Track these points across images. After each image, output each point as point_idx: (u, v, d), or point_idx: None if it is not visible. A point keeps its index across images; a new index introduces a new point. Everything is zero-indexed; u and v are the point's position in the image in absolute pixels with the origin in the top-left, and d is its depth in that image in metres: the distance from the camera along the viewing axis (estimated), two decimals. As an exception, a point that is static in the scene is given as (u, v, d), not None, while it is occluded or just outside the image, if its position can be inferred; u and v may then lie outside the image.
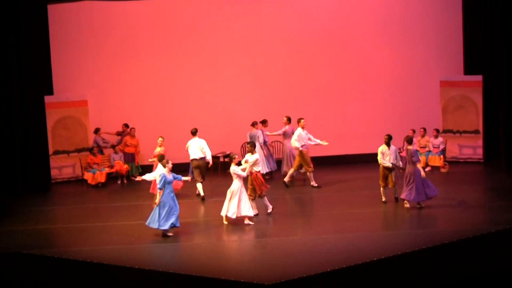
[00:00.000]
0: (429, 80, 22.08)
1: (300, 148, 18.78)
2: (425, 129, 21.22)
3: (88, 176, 20.62)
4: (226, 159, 21.46)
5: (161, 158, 16.18)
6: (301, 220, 15.95)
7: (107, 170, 20.77)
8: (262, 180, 16.23)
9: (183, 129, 20.16)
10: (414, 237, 14.45)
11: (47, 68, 21.07)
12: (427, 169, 20.75)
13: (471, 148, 21.60)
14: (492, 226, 14.64)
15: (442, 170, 20.67)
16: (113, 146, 21.21)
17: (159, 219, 14.95)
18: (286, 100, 22.08)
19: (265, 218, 16.21)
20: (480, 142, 21.50)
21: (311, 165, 18.95)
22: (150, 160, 18.61)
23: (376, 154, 17.05)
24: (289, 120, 19.92)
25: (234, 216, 15.68)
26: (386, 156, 16.75)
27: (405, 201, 16.51)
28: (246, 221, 15.76)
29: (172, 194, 15.11)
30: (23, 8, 19.55)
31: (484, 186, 19.16)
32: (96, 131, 21.37)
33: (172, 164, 15.43)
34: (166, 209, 14.97)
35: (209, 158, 18.42)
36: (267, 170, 20.21)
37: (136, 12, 21.94)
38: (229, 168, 16.05)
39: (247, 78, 22.17)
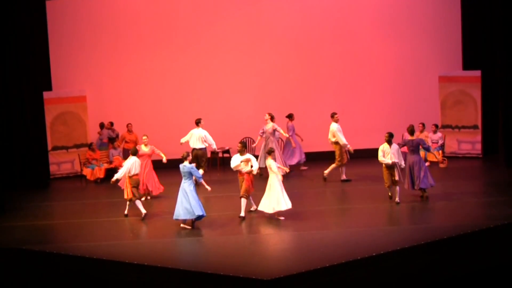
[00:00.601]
0: (428, 76, 22.08)
1: (348, 144, 18.68)
2: (423, 125, 21.21)
3: (87, 171, 20.63)
4: (226, 155, 21.50)
5: (134, 152, 16.58)
6: (301, 215, 15.93)
7: (106, 165, 20.77)
8: (252, 181, 15.93)
9: (183, 124, 20.20)
10: (413, 232, 14.44)
11: (46, 64, 21.08)
12: (426, 164, 20.75)
13: (470, 143, 21.61)
14: (491, 221, 14.64)
15: (441, 165, 20.67)
16: (111, 141, 21.23)
17: (200, 206, 15.20)
18: (285, 95, 22.08)
19: (263, 213, 16.20)
20: (478, 137, 21.50)
21: (344, 159, 18.85)
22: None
23: (375, 150, 17.04)
24: (272, 117, 19.72)
25: (271, 211, 15.70)
26: (387, 155, 16.58)
27: (424, 191, 16.74)
28: (277, 216, 15.81)
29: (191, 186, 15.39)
30: (21, 4, 19.52)
31: (482, 181, 19.17)
32: (102, 126, 21.39)
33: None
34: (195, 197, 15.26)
35: (214, 147, 19.11)
36: (296, 161, 20.43)
37: (135, 7, 21.93)
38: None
39: (247, 73, 22.15)
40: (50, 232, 15.88)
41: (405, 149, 17.31)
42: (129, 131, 21.06)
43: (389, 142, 16.60)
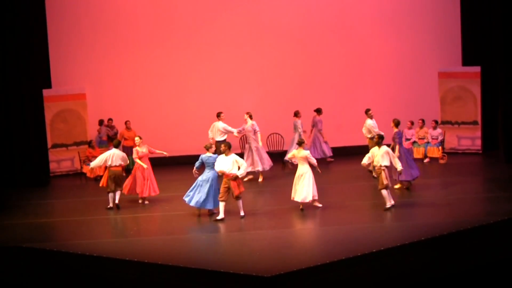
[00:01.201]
0: (428, 72, 22.07)
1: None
2: (423, 121, 21.24)
3: (86, 169, 20.63)
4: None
5: (116, 144, 17.11)
6: (301, 212, 15.94)
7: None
8: (240, 182, 15.83)
9: (182, 121, 20.20)
10: (413, 228, 14.45)
11: (45, 61, 21.05)
12: (426, 160, 20.79)
13: (470, 139, 21.61)
14: (491, 217, 14.66)
15: (441, 161, 20.68)
16: (110, 139, 21.22)
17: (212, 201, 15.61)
18: (285, 92, 22.07)
19: (264, 210, 16.21)
20: (478, 133, 21.51)
21: None
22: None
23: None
24: (250, 116, 19.45)
25: (306, 200, 15.88)
26: (374, 157, 15.84)
27: (400, 182, 17.04)
28: (316, 203, 15.97)
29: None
30: (20, 2, 19.49)
31: (482, 177, 19.19)
32: (101, 123, 21.38)
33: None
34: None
35: (235, 134, 19.41)
36: (322, 156, 20.60)
37: (134, 4, 21.90)
38: None
39: (247, 69, 22.13)
40: (50, 230, 15.88)
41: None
42: (128, 128, 21.04)
43: (379, 144, 15.97)
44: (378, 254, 12.94)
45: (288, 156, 17.22)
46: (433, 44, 22.11)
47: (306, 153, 16.09)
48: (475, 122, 21.52)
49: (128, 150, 20.83)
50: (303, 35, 22.17)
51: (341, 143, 22.02)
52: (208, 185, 15.74)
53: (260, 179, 19.28)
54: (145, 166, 16.77)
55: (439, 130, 21.32)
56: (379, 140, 15.93)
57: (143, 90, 22.02)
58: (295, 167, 16.66)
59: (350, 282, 12.65)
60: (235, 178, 15.52)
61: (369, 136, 18.96)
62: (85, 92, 21.47)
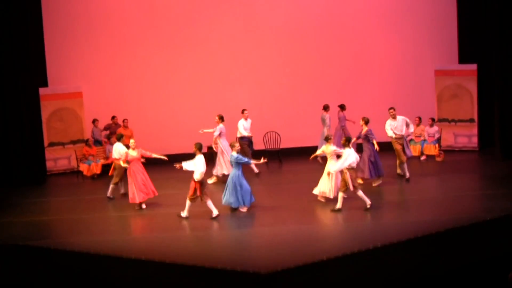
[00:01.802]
0: (424, 69, 22.11)
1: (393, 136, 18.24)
2: (420, 118, 21.26)
3: (83, 167, 20.61)
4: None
5: (119, 137, 17.47)
6: (296, 209, 15.94)
7: (102, 161, 20.76)
8: (197, 185, 15.60)
9: (179, 119, 20.17)
10: (409, 225, 14.45)
11: (42, 60, 21.01)
12: (423, 158, 20.81)
13: (466, 137, 21.63)
14: (488, 214, 14.69)
15: (437, 158, 20.70)
16: (107, 137, 21.22)
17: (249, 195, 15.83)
18: (281, 89, 22.08)
19: (260, 208, 16.20)
20: (475, 131, 21.53)
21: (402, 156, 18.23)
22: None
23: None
24: (221, 118, 19.08)
25: (331, 195, 16.07)
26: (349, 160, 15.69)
27: (361, 178, 17.30)
28: (345, 195, 15.98)
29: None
30: (16, 0, 19.44)
31: (479, 174, 19.21)
32: (94, 121, 21.36)
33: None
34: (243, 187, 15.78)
35: (238, 135, 19.58)
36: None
37: (131, 3, 21.88)
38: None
39: (242, 67, 22.14)
40: (47, 228, 15.86)
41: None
42: (125, 126, 21.03)
43: (346, 146, 15.80)
44: (375, 251, 12.95)
45: (318, 153, 17.25)
46: (429, 42, 22.13)
47: (333, 148, 16.33)
48: (471, 120, 21.54)
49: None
50: (299, 33, 22.18)
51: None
52: (231, 183, 15.82)
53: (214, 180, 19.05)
54: (125, 165, 16.50)
55: (435, 128, 21.34)
56: (345, 143, 15.81)
57: (139, 88, 22.00)
58: (325, 161, 16.87)
59: (346, 279, 12.65)
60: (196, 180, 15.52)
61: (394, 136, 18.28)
62: (81, 91, 21.45)
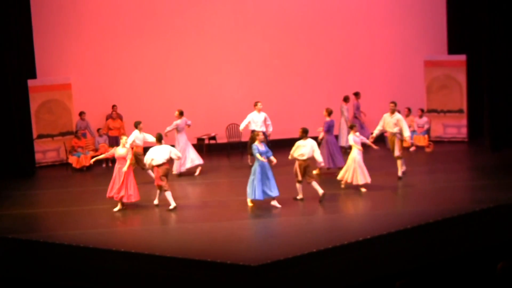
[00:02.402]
0: (413, 60, 22.10)
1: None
2: (409, 109, 21.28)
3: (72, 159, 20.53)
4: (212, 141, 21.47)
5: (137, 124, 17.90)
6: (286, 201, 15.93)
7: (91, 153, 20.68)
8: (158, 174, 15.69)
9: (168, 111, 20.08)
10: (399, 216, 14.50)
11: (30, 51, 20.85)
12: (412, 148, 20.83)
13: (455, 128, 21.68)
14: (477, 205, 14.74)
15: (427, 149, 20.75)
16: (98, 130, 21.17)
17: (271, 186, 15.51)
18: (271, 81, 22.04)
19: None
20: (464, 121, 21.58)
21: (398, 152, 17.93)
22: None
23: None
24: (181, 113, 19.01)
25: (359, 181, 16.34)
26: (299, 150, 15.76)
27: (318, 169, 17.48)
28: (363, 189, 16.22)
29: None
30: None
31: (468, 165, 19.27)
32: (81, 114, 21.26)
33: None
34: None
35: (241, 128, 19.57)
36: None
37: (119, -6, 21.79)
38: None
39: (233, 59, 22.04)
40: (36, 220, 15.84)
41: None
42: (113, 118, 20.96)
43: (304, 138, 15.79)
44: (364, 243, 12.99)
45: (350, 142, 16.74)
46: (418, 32, 22.12)
47: (357, 135, 16.66)
48: (460, 111, 21.58)
49: (114, 140, 20.82)
50: (289, 26, 22.10)
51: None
52: (253, 176, 15.56)
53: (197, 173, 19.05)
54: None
55: (425, 119, 21.37)
56: (302, 134, 15.78)
57: (129, 79, 21.90)
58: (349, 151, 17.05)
59: (336, 271, 12.68)
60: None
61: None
62: (70, 82, 21.33)
